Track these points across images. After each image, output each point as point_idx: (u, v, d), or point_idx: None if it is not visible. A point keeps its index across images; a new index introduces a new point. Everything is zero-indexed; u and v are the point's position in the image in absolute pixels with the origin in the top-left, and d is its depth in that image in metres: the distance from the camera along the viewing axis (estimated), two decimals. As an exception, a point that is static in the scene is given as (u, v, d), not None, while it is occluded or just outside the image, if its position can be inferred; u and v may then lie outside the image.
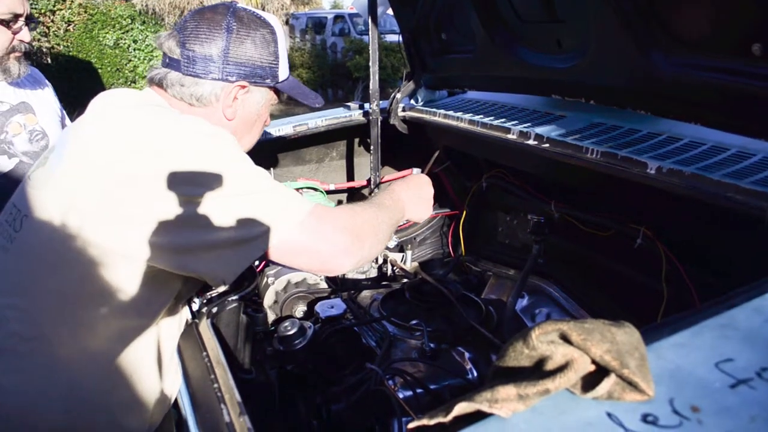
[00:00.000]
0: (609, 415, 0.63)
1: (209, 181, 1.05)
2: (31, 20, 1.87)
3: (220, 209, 1.05)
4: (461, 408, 0.65)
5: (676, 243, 1.48)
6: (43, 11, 14.41)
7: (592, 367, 0.66)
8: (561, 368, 0.66)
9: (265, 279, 1.88)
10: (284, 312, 1.86)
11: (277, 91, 1.39)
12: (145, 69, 11.53)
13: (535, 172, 1.87)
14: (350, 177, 2.65)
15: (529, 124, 1.79)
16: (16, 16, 1.81)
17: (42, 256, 1.10)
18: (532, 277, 1.87)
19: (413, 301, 1.77)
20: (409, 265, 2.28)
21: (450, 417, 0.65)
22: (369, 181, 2.41)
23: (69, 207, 1.07)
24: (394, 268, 2.18)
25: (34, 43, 14.04)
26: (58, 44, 14.44)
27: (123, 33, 11.29)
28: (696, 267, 1.44)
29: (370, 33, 2.20)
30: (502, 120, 1.88)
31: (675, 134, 1.48)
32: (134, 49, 11.49)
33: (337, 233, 1.15)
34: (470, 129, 1.97)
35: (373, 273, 2.17)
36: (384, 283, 2.03)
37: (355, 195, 2.69)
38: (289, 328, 1.52)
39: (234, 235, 1.06)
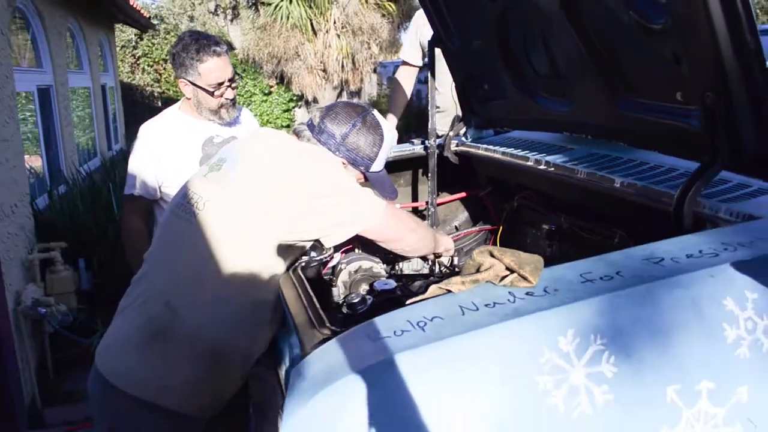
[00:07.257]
0: (509, 292, 1.16)
1: (332, 187, 1.69)
2: (233, 81, 2.49)
3: (336, 205, 1.68)
4: (432, 290, 1.21)
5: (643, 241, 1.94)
6: (156, 60, 16.09)
7: (504, 270, 1.20)
8: (487, 269, 1.20)
9: (339, 265, 2.46)
10: (351, 290, 2.41)
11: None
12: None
13: (547, 191, 2.37)
14: (414, 199, 3.20)
15: (544, 154, 2.30)
16: (220, 84, 2.44)
17: (216, 232, 1.67)
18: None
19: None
20: (456, 270, 2.79)
21: (427, 295, 1.21)
22: (427, 202, 2.96)
23: (240, 201, 1.67)
24: (442, 268, 2.70)
25: (148, 89, 15.60)
26: (168, 89, 15.98)
27: (226, 80, 12.38)
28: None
29: (429, 83, 2.78)
30: (526, 152, 2.40)
31: (639, 158, 1.96)
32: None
33: (404, 217, 1.86)
34: (501, 159, 2.50)
35: (425, 271, 2.69)
36: (432, 278, 2.55)
37: (416, 214, 3.25)
38: (354, 297, 2.07)
39: (344, 219, 1.69)
